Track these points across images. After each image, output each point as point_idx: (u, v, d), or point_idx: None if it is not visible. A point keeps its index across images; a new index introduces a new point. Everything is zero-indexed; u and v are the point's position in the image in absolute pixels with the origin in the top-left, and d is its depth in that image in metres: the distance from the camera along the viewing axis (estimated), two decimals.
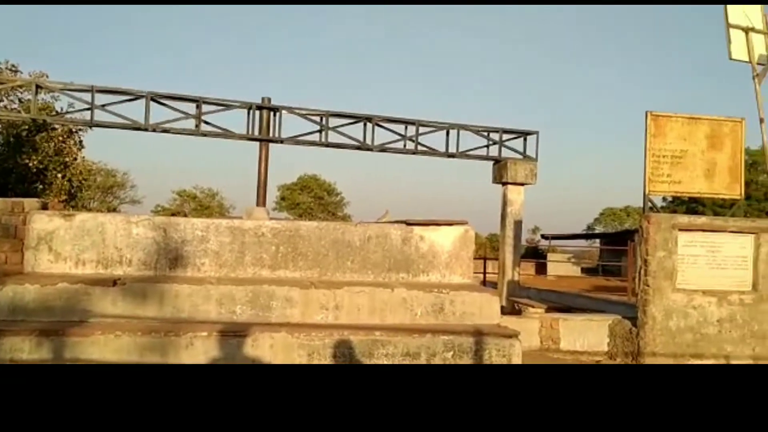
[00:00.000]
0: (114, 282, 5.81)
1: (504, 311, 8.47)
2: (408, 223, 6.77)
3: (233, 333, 5.47)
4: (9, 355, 5.15)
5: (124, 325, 5.53)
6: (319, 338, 5.57)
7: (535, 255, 38.65)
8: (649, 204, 9.16)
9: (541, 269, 31.23)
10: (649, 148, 8.96)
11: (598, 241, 46.80)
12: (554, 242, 42.76)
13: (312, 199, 50.47)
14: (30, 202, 6.34)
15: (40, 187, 19.28)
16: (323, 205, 50.60)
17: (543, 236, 46.51)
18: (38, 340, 5.22)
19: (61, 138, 19.91)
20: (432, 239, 6.74)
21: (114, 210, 44.34)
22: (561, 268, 30.94)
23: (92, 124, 12.11)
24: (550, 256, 35.08)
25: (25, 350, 5.18)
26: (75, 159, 20.78)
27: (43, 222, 6.19)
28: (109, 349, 5.27)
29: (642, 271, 8.16)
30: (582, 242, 49.71)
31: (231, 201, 50.96)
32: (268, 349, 5.46)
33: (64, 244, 6.20)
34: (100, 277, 6.01)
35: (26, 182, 18.78)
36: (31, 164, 18.75)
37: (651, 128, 8.96)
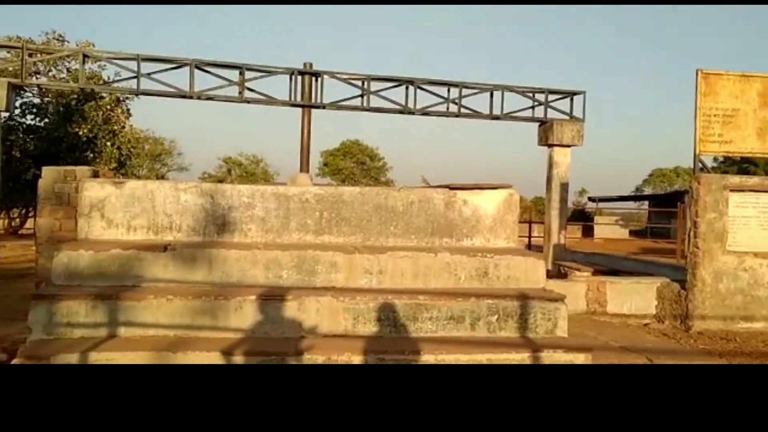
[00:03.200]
0: (164, 247, 5.95)
1: (549, 275, 8.41)
2: (451, 188, 6.74)
3: (280, 297, 5.57)
4: (66, 319, 5.35)
5: (175, 289, 5.67)
6: (364, 302, 5.63)
7: (582, 218, 38.19)
8: (700, 165, 8.93)
9: (588, 232, 30.87)
10: (700, 108, 8.71)
11: (646, 203, 45.91)
12: (601, 205, 42.12)
13: (354, 165, 50.60)
14: (82, 171, 6.51)
15: (91, 155, 19.74)
16: (366, 170, 50.70)
17: (590, 199, 45.84)
18: (93, 304, 5.40)
19: (108, 107, 20.29)
20: (475, 203, 6.71)
21: (162, 177, 45.21)
22: (608, 230, 30.49)
23: (139, 92, 12.29)
24: (597, 219, 34.59)
25: (81, 314, 5.37)
26: (123, 127, 21.21)
27: (94, 190, 6.35)
28: (161, 313, 5.43)
29: (691, 233, 8.01)
30: (630, 204, 48.88)
31: (275, 167, 51.48)
32: (314, 313, 5.55)
33: (115, 211, 6.35)
34: (151, 242, 6.15)
35: (77, 151, 19.24)
36: (81, 133, 19.18)
37: (702, 87, 8.70)
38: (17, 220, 22.32)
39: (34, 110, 19.93)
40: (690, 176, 8.35)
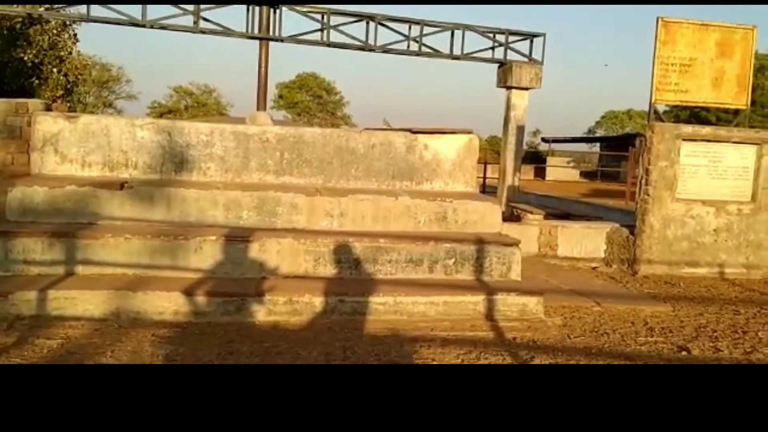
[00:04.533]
0: (121, 185, 5.85)
1: (504, 217, 8.57)
2: (412, 131, 6.76)
3: (241, 238, 5.58)
4: (22, 257, 5.27)
5: (133, 228, 5.62)
6: (325, 244, 5.68)
7: (535, 159, 38.65)
8: (654, 113, 9.09)
9: (540, 173, 31.33)
10: (658, 56, 8.81)
11: (598, 144, 46.67)
12: (554, 146, 42.63)
13: (311, 98, 49.86)
14: (34, 103, 6.30)
15: (36, 82, 18.96)
16: (322, 104, 50.07)
17: (543, 139, 46.36)
18: (50, 242, 5.32)
19: (55, 31, 19.40)
20: (436, 148, 6.76)
21: (110, 105, 43.74)
22: (560, 172, 30.98)
23: (89, 19, 11.81)
24: (549, 160, 35.05)
25: (38, 251, 5.29)
26: (70, 53, 20.35)
27: (48, 124, 6.17)
28: (119, 252, 5.39)
29: (643, 180, 8.23)
30: (582, 146, 49.62)
31: (228, 99, 50.39)
32: (275, 254, 5.58)
33: (69, 147, 6.21)
34: (107, 179, 6.05)
35: (22, 77, 18.45)
36: (26, 58, 18.36)
37: (661, 35, 8.78)
38: None
39: None
40: (642, 119, 8.51)
